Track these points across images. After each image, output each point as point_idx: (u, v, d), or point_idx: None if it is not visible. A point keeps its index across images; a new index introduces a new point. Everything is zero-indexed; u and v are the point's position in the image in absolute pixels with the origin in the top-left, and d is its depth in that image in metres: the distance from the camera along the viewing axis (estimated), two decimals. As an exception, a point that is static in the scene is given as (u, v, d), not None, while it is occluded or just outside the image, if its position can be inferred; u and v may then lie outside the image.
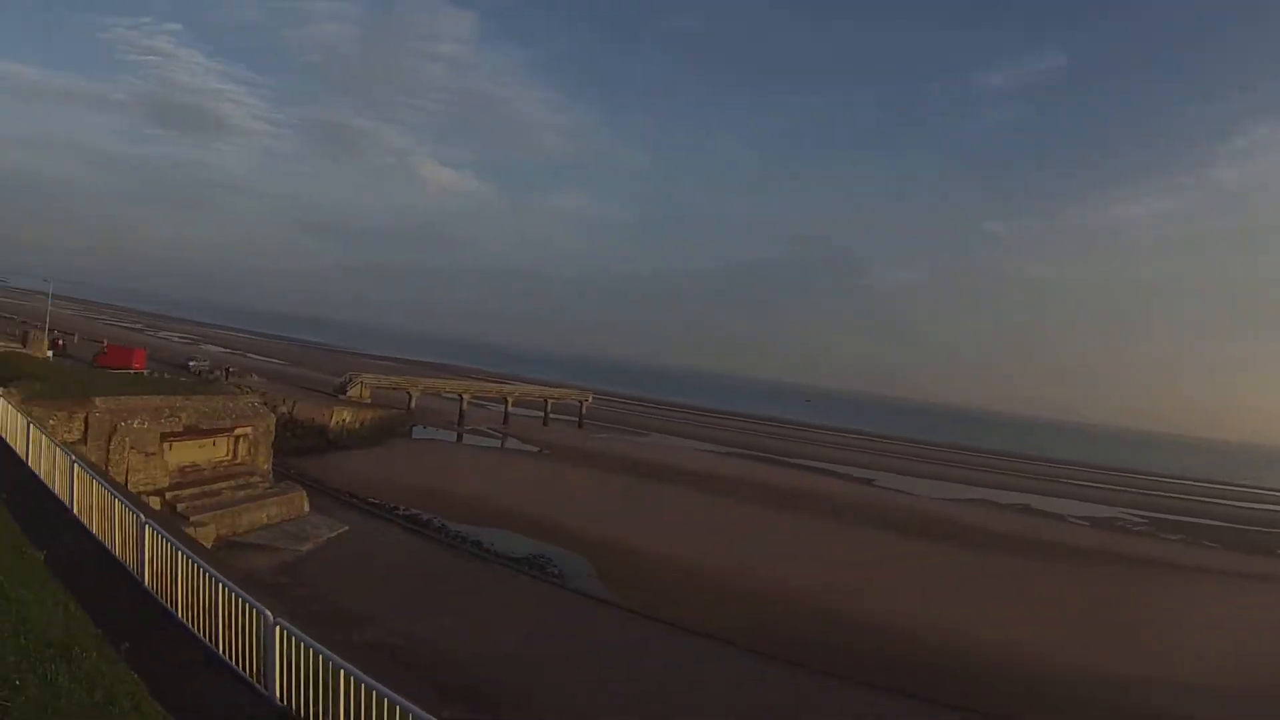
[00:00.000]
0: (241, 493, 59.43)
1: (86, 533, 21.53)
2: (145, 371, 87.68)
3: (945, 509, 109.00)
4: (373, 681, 12.19)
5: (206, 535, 48.56)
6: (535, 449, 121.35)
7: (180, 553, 16.82)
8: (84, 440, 48.85)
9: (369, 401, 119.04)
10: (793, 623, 52.64)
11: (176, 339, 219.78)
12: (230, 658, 15.14)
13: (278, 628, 13.75)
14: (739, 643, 47.77)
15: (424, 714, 11.37)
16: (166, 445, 56.49)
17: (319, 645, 13.13)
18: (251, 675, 14.66)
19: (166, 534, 17.90)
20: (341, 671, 12.59)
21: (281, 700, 13.92)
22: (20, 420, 29.97)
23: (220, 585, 15.39)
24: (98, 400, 51.80)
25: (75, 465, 23.26)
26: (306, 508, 62.59)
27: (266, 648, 14.11)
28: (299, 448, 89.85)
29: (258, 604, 14.48)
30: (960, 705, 42.22)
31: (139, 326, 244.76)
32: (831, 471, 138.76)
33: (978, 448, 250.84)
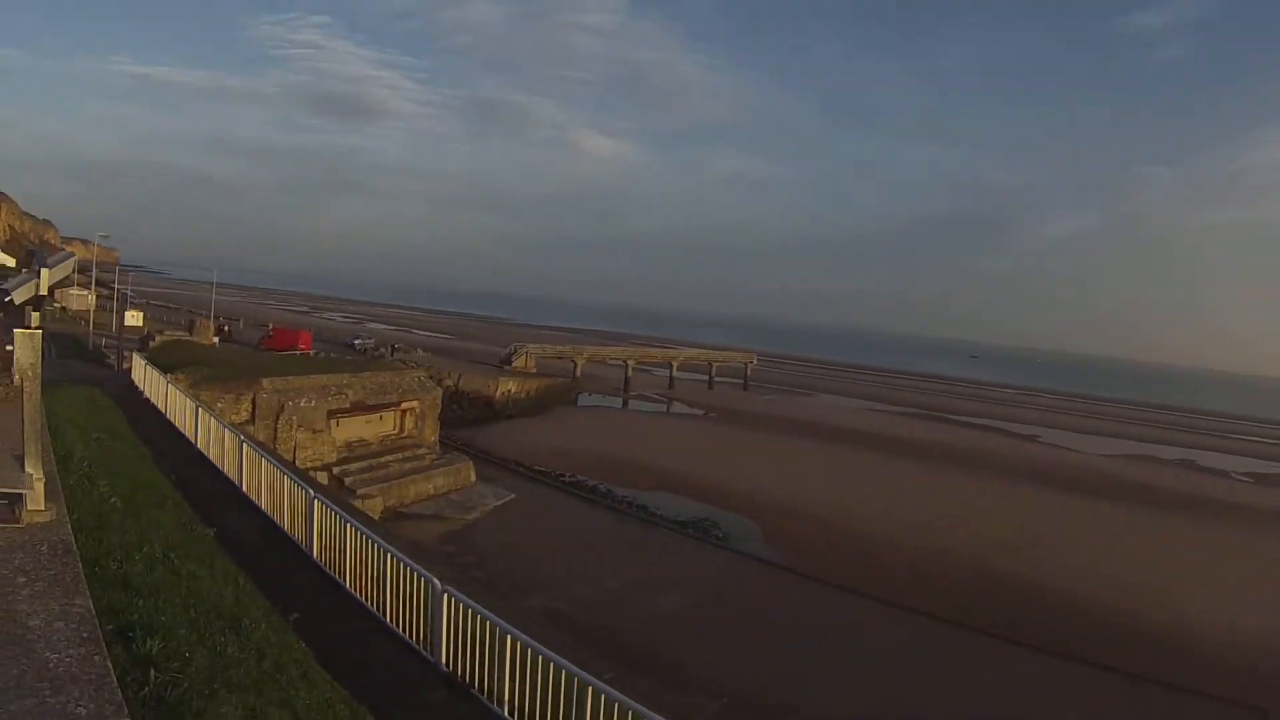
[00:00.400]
0: (409, 465, 60.79)
1: (256, 509, 22.12)
2: (311, 352, 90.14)
3: (1108, 465, 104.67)
4: (538, 646, 12.14)
5: (374, 507, 49.77)
6: (700, 412, 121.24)
7: (348, 524, 17.08)
8: (252, 421, 50.51)
9: (534, 371, 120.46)
10: (959, 583, 51.63)
11: (340, 319, 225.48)
12: (397, 626, 15.33)
13: (445, 595, 13.81)
14: (905, 605, 47.07)
15: (587, 676, 11.28)
16: (334, 422, 58.07)
17: (485, 611, 13.15)
18: (418, 642, 14.81)
19: (335, 507, 18.25)
20: (508, 637, 12.56)
21: (448, 666, 14.01)
22: (189, 404, 30.97)
23: (388, 555, 15.56)
24: (264, 381, 53.46)
25: (244, 444, 23.87)
26: (473, 478, 63.67)
27: (433, 615, 14.21)
28: (465, 419, 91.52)
29: (425, 572, 14.58)
30: (1132, 672, 40.80)
31: (304, 309, 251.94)
32: (996, 428, 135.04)
33: (1141, 402, 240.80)
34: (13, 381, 15.76)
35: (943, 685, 38.24)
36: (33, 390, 8.94)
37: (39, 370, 8.92)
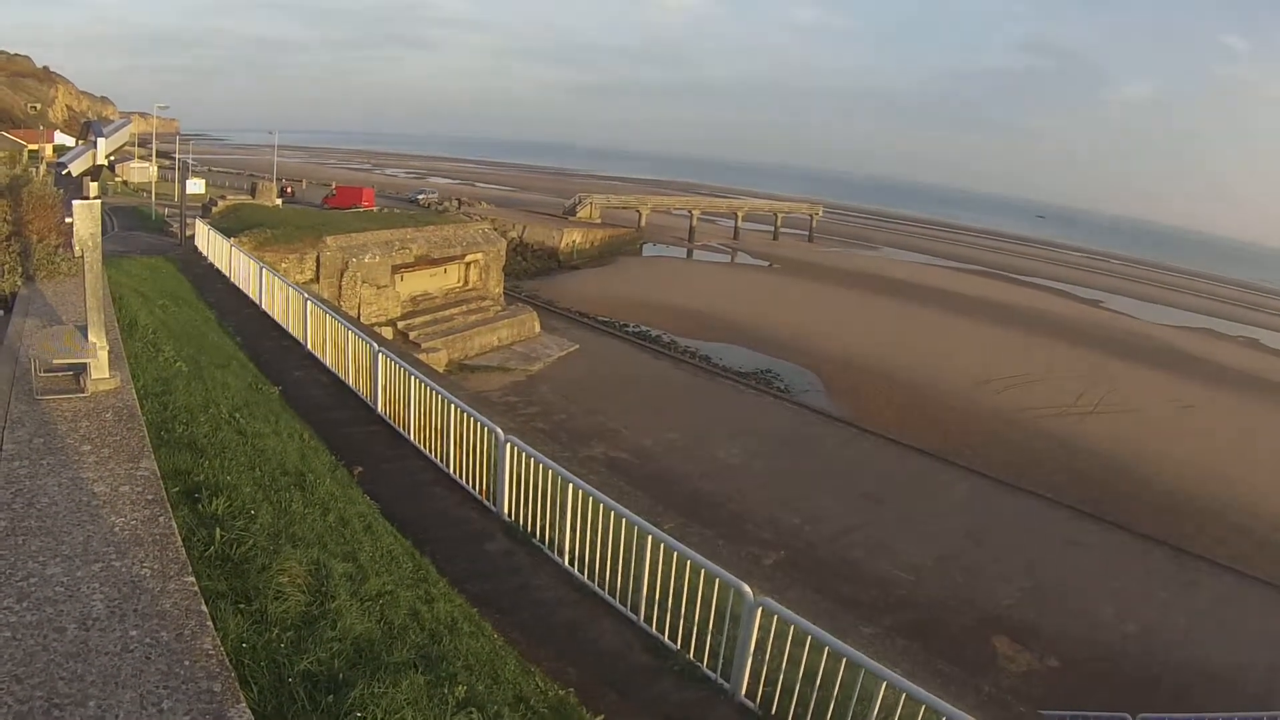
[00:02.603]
0: (473, 317, 61.36)
1: (321, 366, 22.59)
2: (374, 209, 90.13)
3: (1169, 335, 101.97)
4: (599, 494, 12.40)
5: (438, 360, 50.47)
6: (764, 264, 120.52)
7: (412, 377, 17.36)
8: (316, 279, 51.10)
9: (599, 222, 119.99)
10: (1015, 443, 51.90)
11: (403, 175, 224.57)
12: (460, 476, 15.71)
13: (508, 444, 14.06)
14: (961, 462, 47.35)
15: (647, 525, 11.53)
16: (398, 277, 58.55)
17: (547, 459, 13.41)
18: (481, 493, 15.19)
19: (399, 360, 18.55)
20: (569, 485, 12.84)
21: (510, 516, 14.38)
22: (253, 266, 31.34)
23: (452, 406, 15.81)
24: (328, 239, 53.83)
25: (308, 302, 24.19)
26: (537, 329, 64.21)
27: (496, 464, 14.51)
28: (530, 270, 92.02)
29: (488, 421, 14.82)
30: (1181, 547, 41.02)
31: (366, 167, 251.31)
32: (1059, 290, 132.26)
33: (1207, 274, 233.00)
34: (75, 255, 16.16)
35: (997, 542, 38.90)
36: (93, 260, 9.11)
37: (99, 240, 9.07)
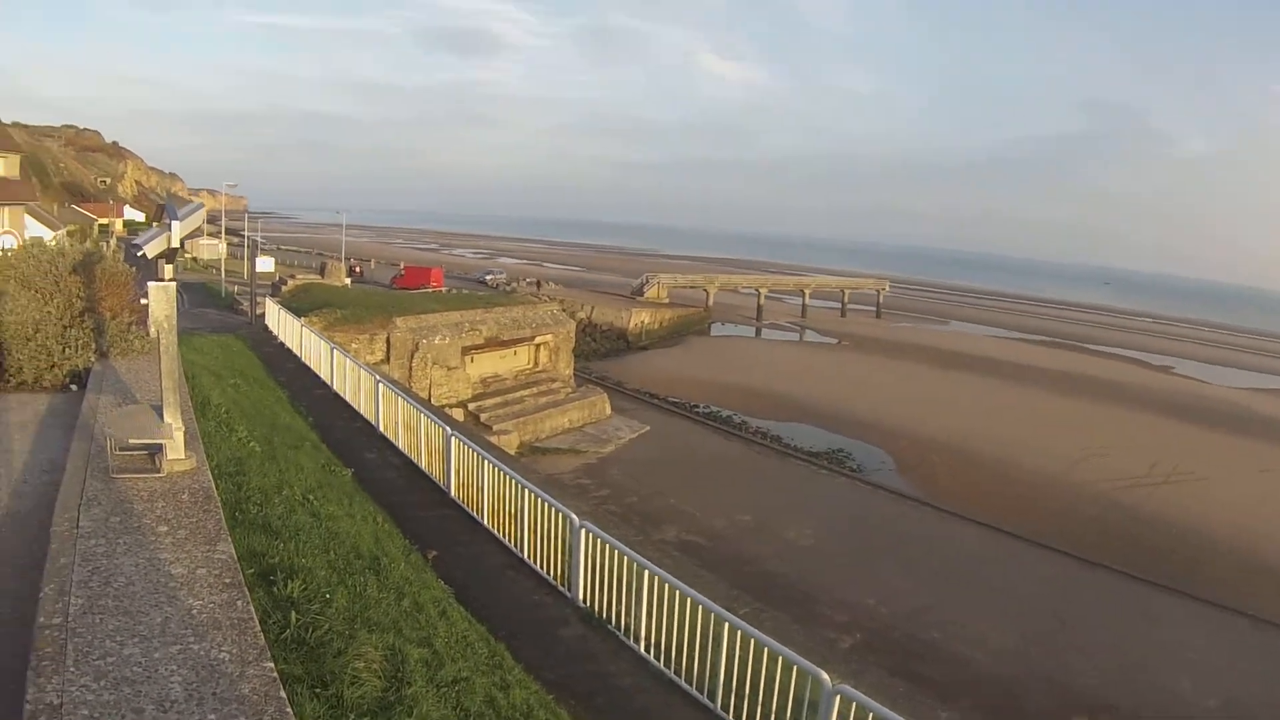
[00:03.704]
0: (544, 399, 61.66)
1: (393, 448, 22.78)
2: (443, 289, 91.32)
3: (1242, 398, 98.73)
4: (674, 580, 12.34)
5: (509, 443, 50.64)
6: (833, 340, 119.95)
7: (485, 460, 17.46)
8: (386, 360, 51.69)
9: (667, 301, 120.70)
10: (1092, 518, 50.93)
11: (471, 254, 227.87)
12: (534, 561, 15.70)
13: (583, 530, 14.06)
14: (1038, 540, 46.76)
15: (724, 612, 11.46)
16: (468, 358, 59.12)
17: (622, 546, 13.38)
18: (555, 577, 15.16)
19: (471, 443, 18.66)
20: (645, 571, 12.79)
21: (584, 601, 14.32)
22: (324, 346, 31.80)
23: (525, 490, 15.88)
24: (398, 320, 54.54)
25: (380, 384, 24.50)
26: (608, 410, 64.33)
27: (571, 550, 14.50)
28: (599, 351, 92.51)
29: (562, 507, 14.85)
30: (1246, 611, 39.92)
31: (433, 246, 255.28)
32: (1129, 358, 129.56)
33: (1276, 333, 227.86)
34: (149, 334, 16.47)
35: (1073, 619, 38.13)
36: (169, 342, 9.28)
37: (174, 322, 9.24)
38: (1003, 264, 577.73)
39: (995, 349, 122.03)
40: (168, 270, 9.22)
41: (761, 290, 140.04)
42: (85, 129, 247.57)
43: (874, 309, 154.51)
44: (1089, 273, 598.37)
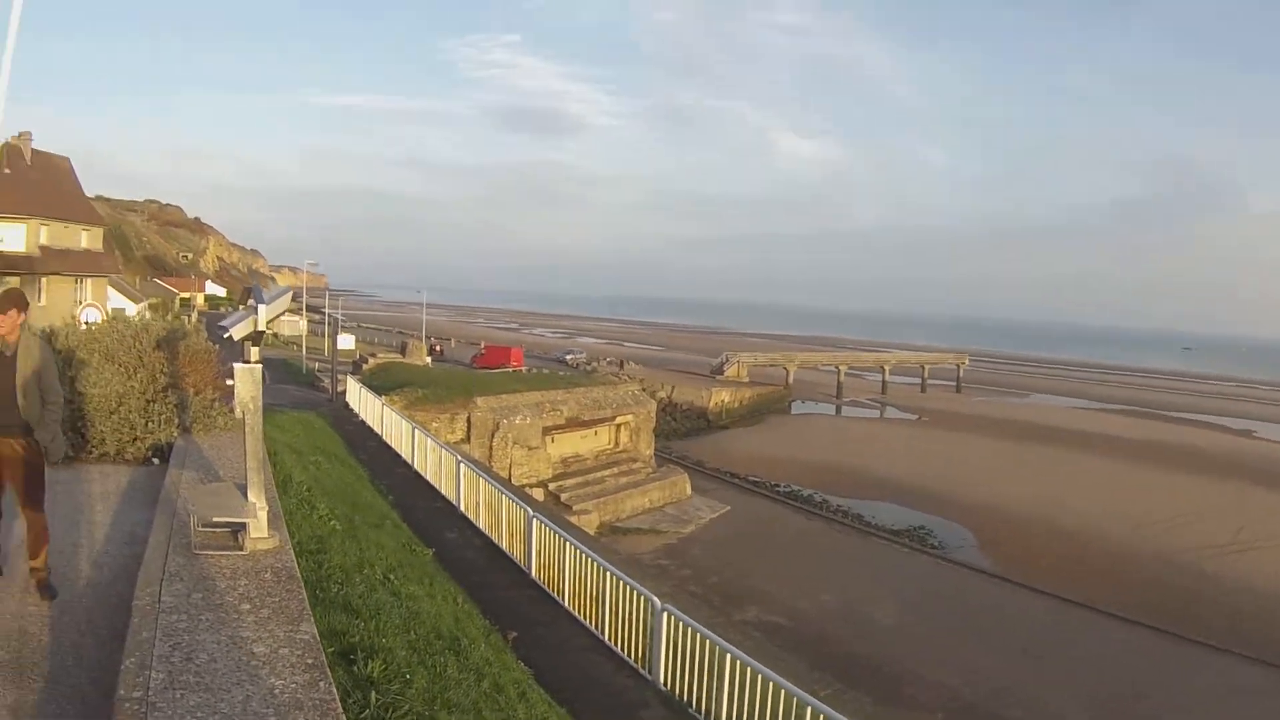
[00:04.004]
0: (624, 479, 61.71)
1: (474, 528, 22.80)
2: (523, 369, 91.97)
3: None
4: (757, 664, 12.20)
5: (589, 523, 50.64)
6: (913, 416, 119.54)
7: (567, 542, 17.48)
8: (467, 439, 52.05)
9: (746, 380, 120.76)
10: (1176, 588, 50.04)
11: (550, 334, 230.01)
12: (615, 643, 15.57)
13: (664, 613, 13.95)
14: (1120, 613, 46.07)
15: (806, 696, 11.26)
16: (549, 438, 59.43)
17: (704, 629, 13.26)
18: (636, 659, 15.00)
19: (553, 525, 18.68)
20: (727, 655, 12.63)
21: (666, 684, 14.14)
22: (405, 425, 32.07)
23: (606, 572, 15.85)
24: (479, 400, 55.05)
25: (460, 464, 24.61)
26: (689, 490, 64.21)
27: (652, 632, 14.38)
28: (680, 430, 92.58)
29: (643, 589, 14.78)
30: None
31: (513, 326, 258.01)
32: (1210, 424, 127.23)
33: None
34: (233, 412, 16.67)
35: (1157, 694, 37.55)
36: (254, 423, 9.37)
37: (260, 403, 9.35)
38: (1081, 333, 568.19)
39: (1075, 420, 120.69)
40: (254, 352, 9.33)
41: (841, 367, 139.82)
42: (168, 204, 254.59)
43: (954, 383, 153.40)
44: (1169, 338, 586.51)
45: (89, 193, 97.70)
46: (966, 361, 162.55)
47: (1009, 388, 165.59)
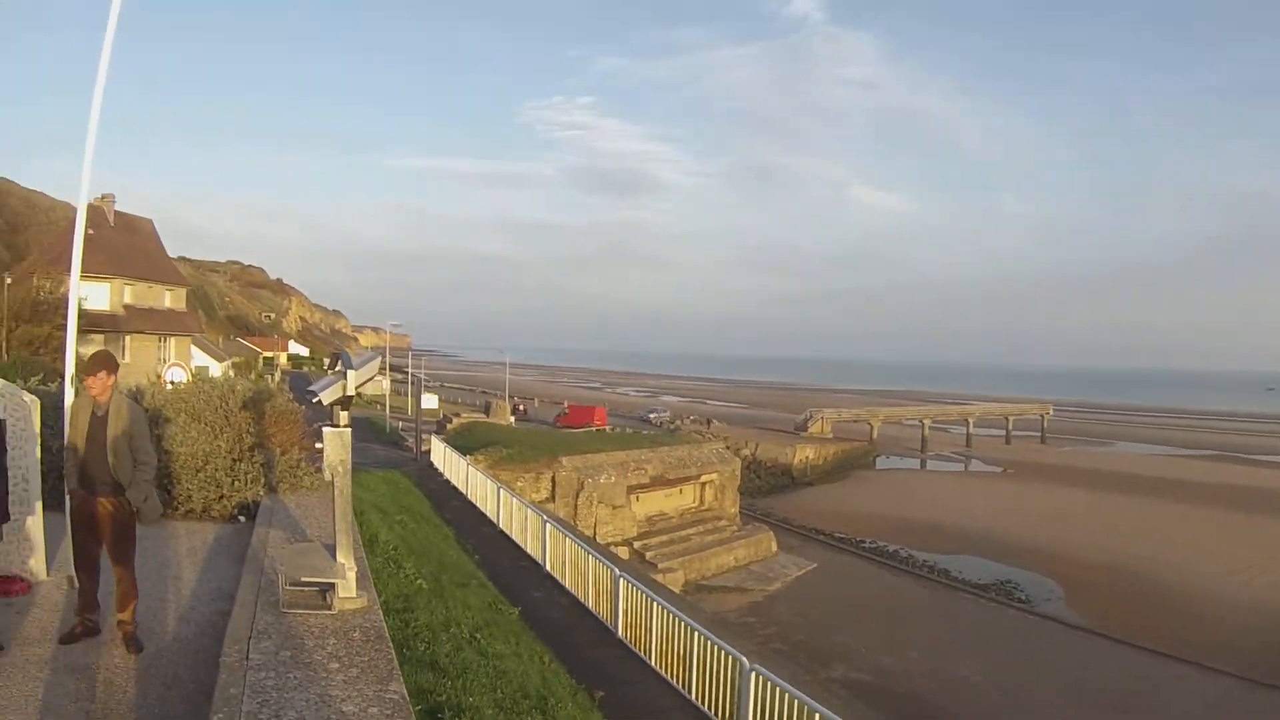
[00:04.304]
0: (710, 537, 61.54)
1: (559, 587, 22.77)
2: (607, 428, 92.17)
3: None
4: (844, 722, 11.99)
5: (675, 581, 50.52)
6: (998, 469, 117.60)
7: (654, 601, 17.38)
8: (552, 498, 52.21)
9: (830, 436, 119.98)
10: (1268, 637, 48.33)
11: (634, 393, 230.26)
12: (702, 702, 15.40)
13: (753, 673, 13.80)
14: (1209, 662, 44.83)
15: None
16: (634, 496, 59.46)
17: (791, 688, 13.08)
18: (722, 719, 14.83)
19: (639, 584, 18.58)
20: (815, 715, 12.45)
21: (755, 745, 13.97)
22: (489, 484, 32.28)
23: (694, 632, 15.70)
24: (564, 459, 55.29)
25: (546, 523, 24.65)
26: (774, 548, 63.86)
27: (740, 692, 14.20)
28: (764, 488, 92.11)
29: (732, 649, 14.64)
30: None
31: (596, 385, 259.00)
32: None
33: None
34: (320, 473, 16.90)
35: None
36: (343, 485, 9.50)
37: (349, 466, 9.49)
38: (1164, 377, 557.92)
39: (1161, 468, 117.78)
40: (343, 417, 9.48)
41: (925, 421, 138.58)
42: (250, 265, 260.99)
43: (1039, 434, 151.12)
44: (1251, 378, 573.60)
45: (172, 254, 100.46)
46: (1050, 411, 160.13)
47: (1094, 437, 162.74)
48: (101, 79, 12.49)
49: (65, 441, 9.25)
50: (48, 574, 10.69)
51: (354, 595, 9.26)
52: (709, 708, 15.22)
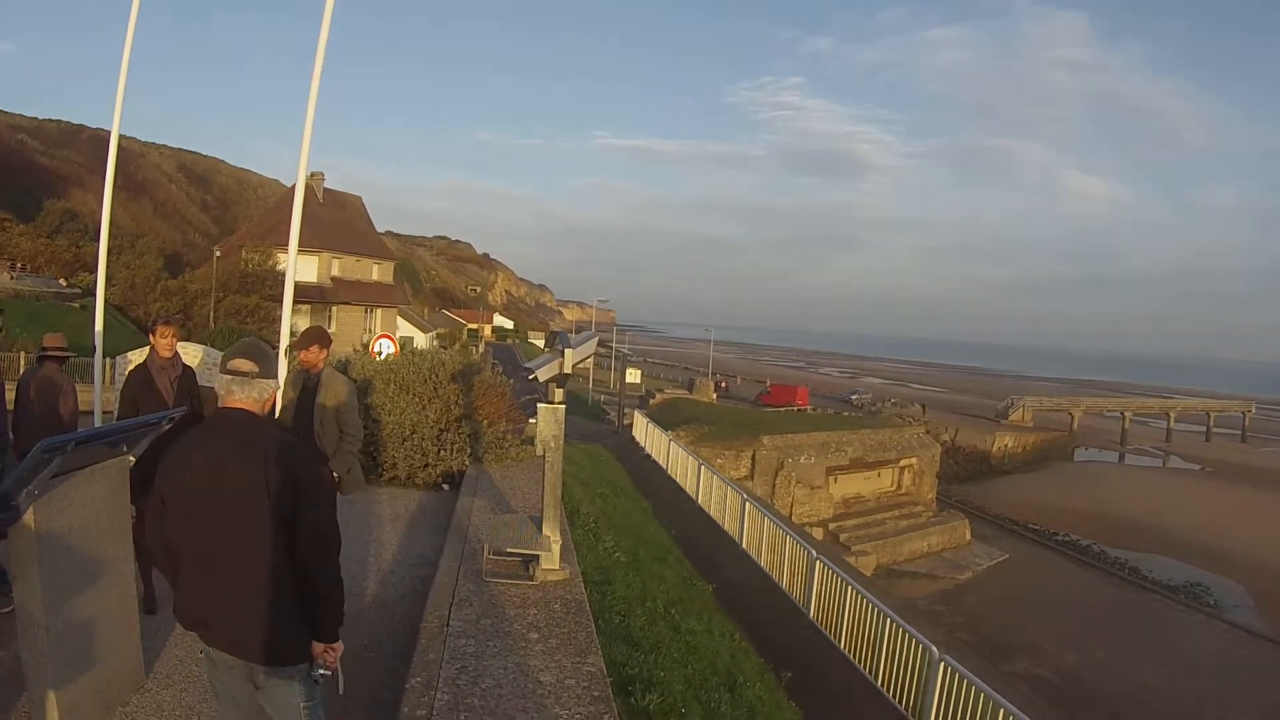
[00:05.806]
0: (904, 522, 60.76)
1: (754, 566, 22.80)
2: (808, 408, 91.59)
3: None
4: (1028, 720, 11.78)
5: (867, 564, 50.14)
6: (1196, 467, 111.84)
7: (849, 586, 17.24)
8: (750, 476, 52.27)
9: (1030, 425, 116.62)
10: None
11: (836, 374, 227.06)
12: (887, 689, 15.28)
13: (942, 663, 13.66)
14: None
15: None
16: (832, 478, 59.08)
17: (983, 684, 12.88)
18: (906, 707, 14.70)
19: (834, 567, 18.45)
20: (1000, 711, 12.27)
21: (937, 736, 13.83)
22: (690, 460, 32.51)
23: (886, 619, 15.56)
24: (764, 438, 55.32)
25: (745, 502, 24.71)
26: (968, 536, 62.74)
27: (927, 681, 14.06)
28: (960, 474, 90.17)
29: (922, 638, 14.47)
30: None
31: (799, 365, 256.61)
32: None
33: None
34: (524, 445, 17.36)
35: None
36: (554, 460, 9.71)
37: (560, 442, 9.68)
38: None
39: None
40: (558, 394, 9.71)
41: (1126, 414, 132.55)
42: (457, 240, 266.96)
43: (1239, 433, 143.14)
44: None
45: (380, 229, 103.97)
46: (1253, 409, 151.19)
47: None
48: (319, 64, 13.09)
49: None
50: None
51: (557, 567, 9.51)
52: (893, 694, 15.12)
